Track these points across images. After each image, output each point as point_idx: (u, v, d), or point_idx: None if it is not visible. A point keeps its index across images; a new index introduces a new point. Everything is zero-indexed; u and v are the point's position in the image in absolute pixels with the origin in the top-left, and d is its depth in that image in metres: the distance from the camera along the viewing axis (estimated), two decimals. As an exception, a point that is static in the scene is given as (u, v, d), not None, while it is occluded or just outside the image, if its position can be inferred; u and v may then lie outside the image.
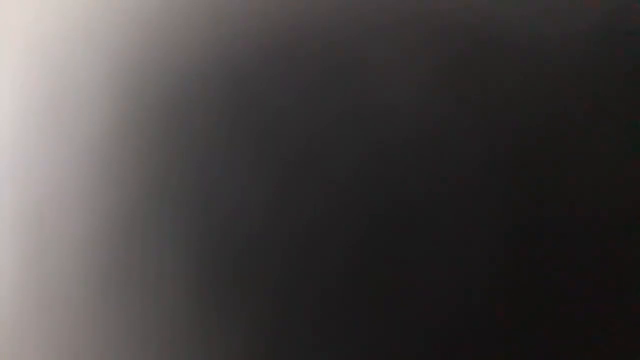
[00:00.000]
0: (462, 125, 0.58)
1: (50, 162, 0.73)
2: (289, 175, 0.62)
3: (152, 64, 0.68)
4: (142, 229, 0.68)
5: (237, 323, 0.64)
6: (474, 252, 0.57)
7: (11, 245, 0.75)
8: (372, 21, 0.60)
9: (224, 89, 0.65)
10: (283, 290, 0.63)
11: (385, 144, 0.60)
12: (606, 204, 0.55)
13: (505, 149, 0.57)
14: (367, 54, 0.60)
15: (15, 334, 0.75)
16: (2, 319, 0.76)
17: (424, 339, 0.58)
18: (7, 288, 0.76)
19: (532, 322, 0.56)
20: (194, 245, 0.66)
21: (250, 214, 0.64)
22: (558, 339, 0.56)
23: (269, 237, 0.63)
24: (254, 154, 0.64)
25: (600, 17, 0.56)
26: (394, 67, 0.60)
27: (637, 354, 0.54)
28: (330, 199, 0.61)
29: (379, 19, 0.60)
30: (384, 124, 0.60)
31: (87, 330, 0.71)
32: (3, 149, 0.77)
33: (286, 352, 0.62)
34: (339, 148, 0.61)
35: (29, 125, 0.75)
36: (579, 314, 0.56)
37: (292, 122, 0.62)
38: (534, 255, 0.56)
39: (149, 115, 0.68)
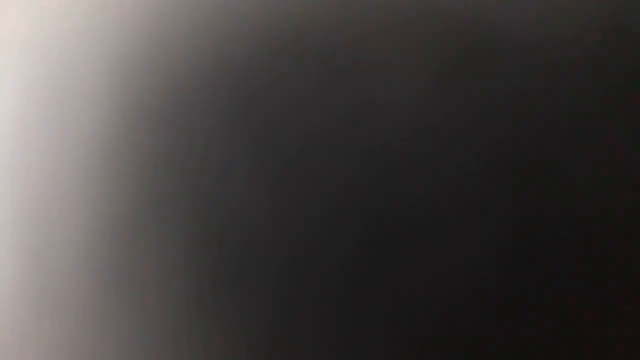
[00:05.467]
0: (465, 125, 0.58)
1: (50, 162, 0.73)
2: (290, 175, 0.62)
3: (152, 64, 0.68)
4: (143, 229, 0.68)
5: (239, 324, 0.64)
6: (477, 252, 0.57)
7: (11, 245, 0.75)
8: (374, 20, 0.60)
9: (224, 89, 0.65)
10: (284, 291, 0.63)
11: (386, 144, 0.60)
12: (609, 203, 0.55)
13: (507, 149, 0.57)
14: (369, 54, 0.60)
15: (15, 334, 0.75)
16: (2, 319, 0.76)
17: (424, 340, 0.58)
18: (7, 288, 0.75)
19: (534, 322, 0.56)
20: (194, 246, 0.66)
21: (251, 215, 0.64)
22: (560, 339, 0.56)
23: (270, 238, 0.63)
24: (255, 155, 0.64)
25: (604, 16, 0.56)
26: (395, 67, 0.60)
27: (638, 354, 0.54)
28: (332, 200, 0.61)
29: (381, 18, 0.60)
30: (386, 124, 0.60)
31: (88, 331, 0.71)
32: (3, 148, 0.77)
33: (288, 354, 0.62)
34: (340, 148, 0.61)
35: (30, 124, 0.75)
36: (581, 315, 0.56)
37: (293, 122, 0.62)
38: (537, 257, 0.56)
39: (149, 116, 0.68)
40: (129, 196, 0.69)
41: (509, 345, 0.56)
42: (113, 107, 0.70)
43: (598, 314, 0.54)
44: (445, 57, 0.58)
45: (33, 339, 0.74)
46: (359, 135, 0.60)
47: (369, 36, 0.60)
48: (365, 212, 0.60)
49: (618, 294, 0.54)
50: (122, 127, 0.69)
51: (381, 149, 0.60)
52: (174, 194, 0.67)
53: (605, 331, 0.54)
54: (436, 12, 0.58)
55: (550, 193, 0.56)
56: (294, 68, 0.62)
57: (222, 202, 0.65)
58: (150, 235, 0.68)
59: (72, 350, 0.71)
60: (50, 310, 0.73)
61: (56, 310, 0.72)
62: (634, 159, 0.54)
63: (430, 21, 0.59)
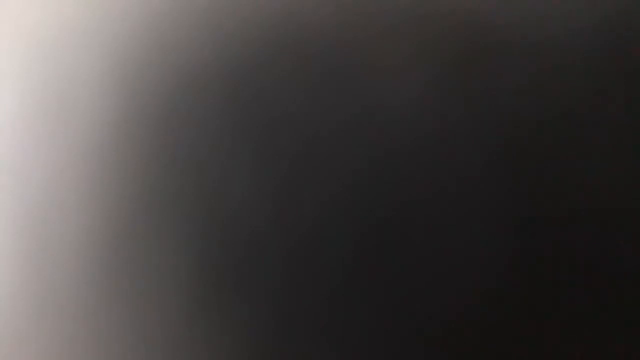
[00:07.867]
0: (467, 127, 0.58)
1: (51, 163, 0.73)
2: (292, 176, 0.62)
3: (153, 64, 0.68)
4: (144, 230, 0.68)
5: (240, 325, 0.64)
6: (478, 253, 0.57)
7: (11, 245, 0.75)
8: (375, 23, 0.60)
9: (226, 89, 0.65)
10: (286, 292, 0.63)
11: (389, 145, 0.60)
12: (609, 203, 0.55)
13: (510, 150, 0.57)
14: (370, 56, 0.60)
15: (15, 335, 0.75)
16: (2, 319, 0.76)
17: (425, 340, 0.58)
18: (7, 288, 0.75)
19: (535, 323, 0.56)
20: (196, 247, 0.66)
21: (253, 215, 0.64)
22: (561, 340, 0.56)
23: (272, 239, 0.63)
24: (257, 155, 0.64)
25: (604, 17, 0.56)
26: (396, 69, 0.60)
27: (638, 353, 0.54)
28: (334, 201, 0.61)
29: (384, 20, 0.60)
30: (388, 126, 0.60)
31: (88, 332, 0.71)
32: (3, 148, 0.77)
33: (289, 353, 0.62)
34: (342, 149, 0.61)
35: (30, 125, 0.75)
36: (582, 315, 0.56)
37: (295, 123, 0.62)
38: (538, 257, 0.56)
39: (150, 116, 0.68)
40: (130, 197, 0.69)
41: (509, 345, 0.56)
42: (114, 109, 0.70)
43: (599, 313, 0.54)
44: (446, 59, 0.58)
45: (33, 339, 0.74)
46: (360, 136, 0.60)
47: (370, 39, 0.60)
48: (366, 213, 0.60)
49: (618, 293, 0.54)
50: (124, 129, 0.69)
51: (382, 150, 0.60)
52: (176, 195, 0.67)
53: (606, 330, 0.54)
54: (437, 15, 0.58)
55: (551, 194, 0.56)
56: (296, 71, 0.62)
57: (224, 203, 0.65)
58: (152, 236, 0.68)
59: (72, 350, 0.71)
60: (51, 310, 0.73)
61: (57, 310, 0.72)
62: (634, 159, 0.54)
63: (431, 24, 0.59)
